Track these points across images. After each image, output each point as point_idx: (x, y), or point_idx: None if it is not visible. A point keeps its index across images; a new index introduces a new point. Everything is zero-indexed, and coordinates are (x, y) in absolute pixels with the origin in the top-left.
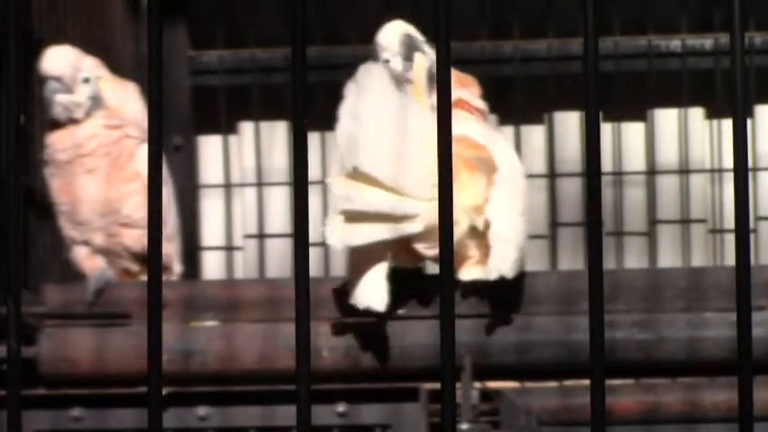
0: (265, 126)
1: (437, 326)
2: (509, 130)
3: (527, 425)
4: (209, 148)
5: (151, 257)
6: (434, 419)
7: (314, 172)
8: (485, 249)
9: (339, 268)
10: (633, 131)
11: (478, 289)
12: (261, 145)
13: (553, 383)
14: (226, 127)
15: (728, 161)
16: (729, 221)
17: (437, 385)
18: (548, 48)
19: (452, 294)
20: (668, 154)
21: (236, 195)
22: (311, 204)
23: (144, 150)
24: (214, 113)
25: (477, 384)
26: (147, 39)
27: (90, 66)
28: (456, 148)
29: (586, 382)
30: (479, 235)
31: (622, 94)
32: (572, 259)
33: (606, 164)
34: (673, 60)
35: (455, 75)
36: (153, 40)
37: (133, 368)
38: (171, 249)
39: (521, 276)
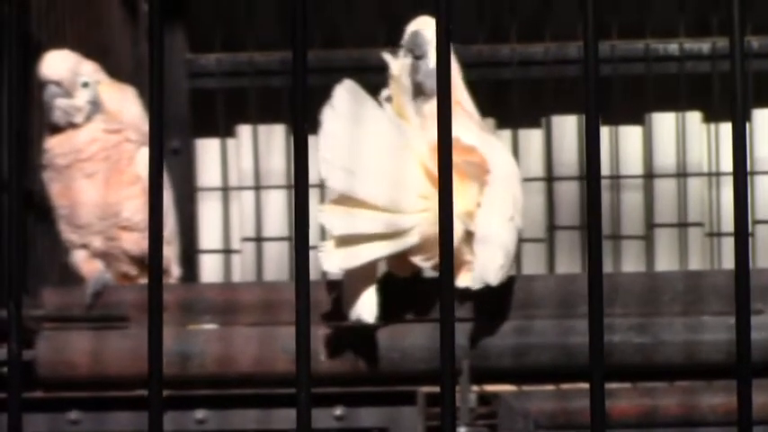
0: (263, 129)
1: (434, 329)
2: (506, 134)
3: (524, 428)
4: (207, 151)
5: (152, 261)
6: (432, 423)
7: (312, 175)
8: (468, 253)
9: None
10: (631, 135)
11: (476, 292)
12: (259, 148)
13: (551, 387)
14: (224, 130)
15: (726, 165)
16: (727, 225)
17: (435, 388)
18: (545, 51)
19: (452, 298)
20: (666, 157)
21: (233, 198)
22: (310, 207)
23: (143, 154)
24: (212, 116)
25: (475, 387)
26: (149, 44)
27: (89, 70)
28: None
29: (584, 385)
30: (466, 239)
31: (620, 98)
32: (570, 262)
33: (604, 167)
34: (670, 64)
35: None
36: (155, 44)
37: (131, 371)
38: (170, 252)
39: (518, 279)
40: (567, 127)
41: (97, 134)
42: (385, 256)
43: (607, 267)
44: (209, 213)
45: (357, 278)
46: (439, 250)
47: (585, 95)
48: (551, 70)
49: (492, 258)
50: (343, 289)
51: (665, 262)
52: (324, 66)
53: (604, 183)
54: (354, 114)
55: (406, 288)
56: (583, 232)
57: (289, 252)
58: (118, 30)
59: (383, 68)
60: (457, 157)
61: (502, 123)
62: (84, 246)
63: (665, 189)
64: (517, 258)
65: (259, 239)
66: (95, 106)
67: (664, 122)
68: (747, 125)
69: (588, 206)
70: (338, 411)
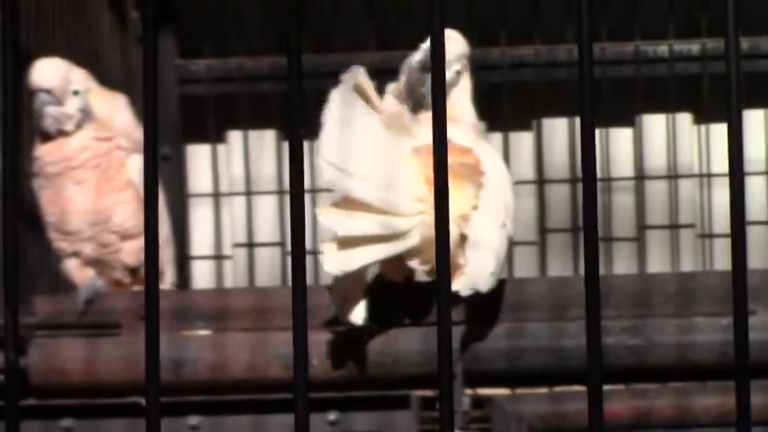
0: (254, 135)
1: (428, 333)
2: (497, 137)
3: (518, 431)
4: (198, 157)
5: (148, 265)
6: (425, 427)
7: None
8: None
9: (329, 277)
10: (621, 137)
11: (469, 296)
12: (249, 154)
13: (544, 390)
14: (214, 136)
15: (717, 166)
16: (718, 226)
17: (428, 393)
18: (535, 54)
19: (449, 302)
20: (656, 159)
21: (224, 204)
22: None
23: (134, 160)
24: (202, 122)
25: (469, 391)
26: (143, 52)
27: (79, 78)
28: None
29: (577, 388)
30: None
31: (610, 100)
32: (561, 265)
33: None
34: (660, 66)
35: None
36: (148, 53)
37: (123, 378)
38: (165, 257)
39: (510, 283)
40: (558, 130)
41: (88, 142)
42: (385, 258)
43: (599, 269)
44: (200, 219)
45: (347, 280)
46: (435, 255)
47: (579, 98)
48: (541, 73)
49: (484, 265)
50: (332, 290)
51: (657, 263)
52: (314, 70)
53: None
54: (349, 119)
55: (398, 292)
56: (574, 235)
57: (280, 257)
58: (107, 37)
59: (373, 72)
60: (452, 159)
61: (492, 127)
62: (76, 254)
63: (656, 191)
64: (509, 261)
65: (250, 245)
66: (86, 114)
67: (654, 124)
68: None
69: (584, 210)
70: (332, 416)
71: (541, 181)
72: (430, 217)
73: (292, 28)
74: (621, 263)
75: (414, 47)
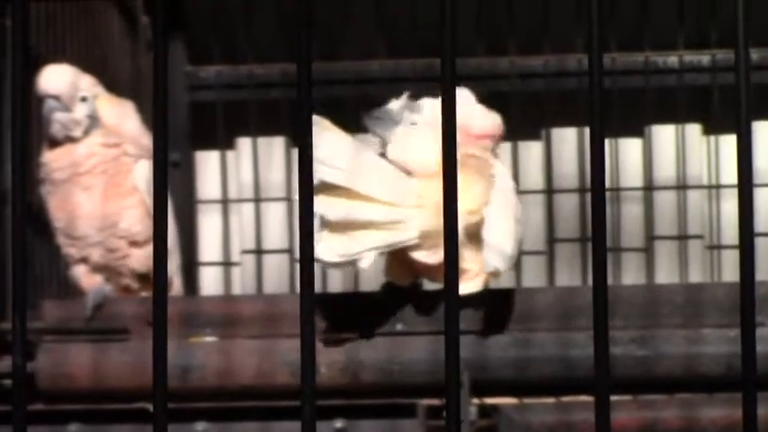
0: (263, 141)
1: (435, 341)
2: (506, 147)
3: None
4: (207, 163)
5: (157, 271)
6: None
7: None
8: (481, 262)
9: (337, 283)
10: (630, 147)
11: (476, 303)
12: (258, 160)
13: (551, 399)
14: (223, 142)
15: (726, 177)
16: (726, 237)
17: (435, 401)
18: (544, 64)
19: (457, 311)
20: (665, 170)
21: (233, 211)
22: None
23: (141, 166)
24: (212, 129)
25: (476, 400)
26: (154, 58)
27: (87, 84)
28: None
29: (585, 398)
30: (475, 246)
31: (620, 111)
32: (569, 275)
33: None
34: (670, 77)
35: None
36: (158, 59)
37: (131, 383)
38: (172, 264)
39: (519, 292)
40: (567, 139)
41: (95, 148)
42: (383, 247)
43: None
44: (208, 226)
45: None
46: (444, 260)
47: (589, 109)
48: (550, 83)
49: (502, 244)
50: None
51: (665, 274)
52: (323, 78)
53: None
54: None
55: (405, 300)
56: (583, 244)
57: (288, 264)
58: (117, 42)
59: (382, 80)
60: (466, 148)
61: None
62: (84, 259)
63: (665, 201)
64: (517, 270)
65: (259, 252)
66: (94, 120)
67: (663, 135)
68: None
69: (593, 220)
70: (339, 424)
71: (550, 191)
72: (430, 209)
73: (302, 35)
74: (630, 273)
75: (422, 55)
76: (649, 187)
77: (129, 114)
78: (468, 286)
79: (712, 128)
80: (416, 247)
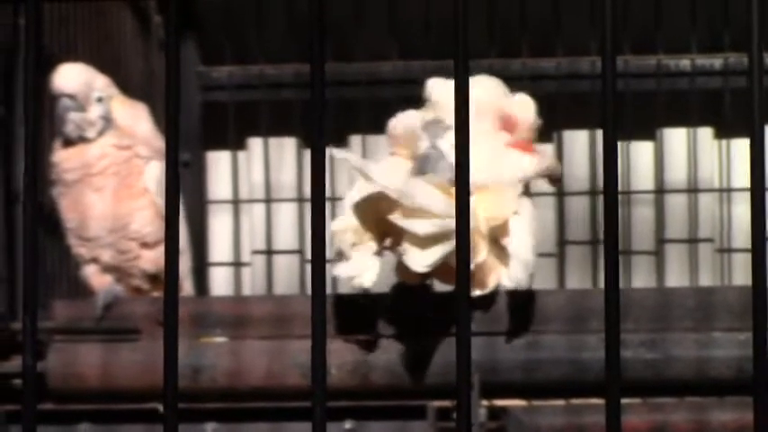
0: (274, 142)
1: (445, 344)
2: None
3: None
4: (218, 163)
5: (168, 272)
6: None
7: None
8: (496, 262)
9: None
10: (642, 151)
11: (487, 305)
12: (270, 161)
13: (561, 402)
14: (234, 143)
15: (737, 180)
16: (737, 241)
17: (445, 403)
18: (556, 66)
19: (468, 313)
20: (677, 173)
21: (244, 211)
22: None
23: (152, 167)
24: (223, 129)
25: (485, 402)
26: (166, 58)
27: (102, 85)
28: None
29: (595, 400)
30: (493, 250)
31: (631, 114)
32: (580, 277)
33: None
34: (682, 80)
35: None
36: (171, 59)
37: (141, 383)
38: (183, 265)
39: (529, 294)
40: (579, 142)
41: (108, 150)
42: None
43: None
44: (219, 226)
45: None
46: (456, 265)
47: (602, 112)
48: (563, 85)
49: (526, 256)
50: (339, 252)
51: (676, 278)
52: (336, 79)
53: None
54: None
55: (416, 301)
56: (593, 247)
57: (299, 265)
58: (129, 41)
59: (395, 81)
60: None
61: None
62: (95, 260)
63: (676, 205)
64: None
65: (269, 252)
66: (107, 121)
67: (675, 138)
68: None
69: (605, 223)
70: (349, 425)
71: (561, 193)
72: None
73: (315, 36)
74: (640, 276)
75: (435, 57)
76: (660, 190)
77: (142, 116)
78: (482, 289)
79: (724, 131)
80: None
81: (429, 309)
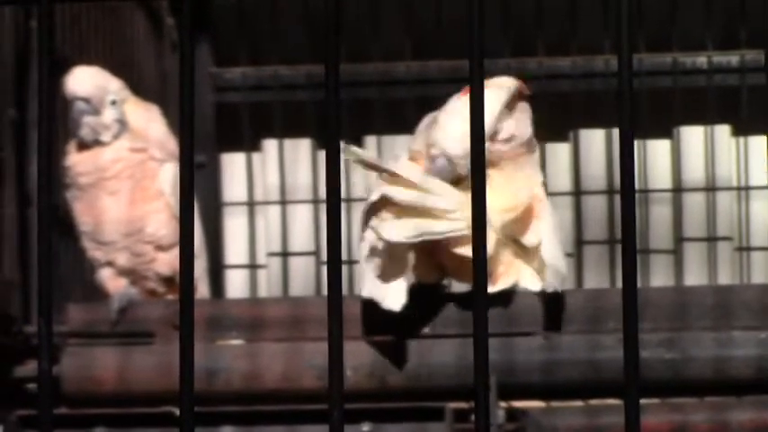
0: (289, 143)
1: (462, 345)
2: None
3: None
4: (233, 165)
5: (184, 274)
6: None
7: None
8: (512, 261)
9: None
10: (659, 149)
11: (503, 305)
12: (284, 162)
13: (579, 403)
14: (249, 144)
15: (755, 178)
16: (756, 239)
17: (462, 404)
18: (572, 65)
19: (486, 313)
20: (694, 171)
21: (259, 213)
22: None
23: (167, 170)
24: (237, 131)
25: (503, 404)
26: (180, 61)
27: (116, 87)
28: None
29: (613, 401)
30: (510, 246)
31: (648, 112)
32: (598, 277)
33: None
34: (698, 77)
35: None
36: (185, 61)
37: (157, 387)
38: (198, 268)
39: (547, 295)
40: (595, 141)
41: (122, 153)
42: (442, 235)
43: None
44: (234, 228)
45: (386, 267)
46: (473, 264)
47: (619, 110)
48: (578, 84)
49: (559, 262)
50: (368, 274)
51: (694, 276)
52: (350, 79)
53: None
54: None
55: (433, 302)
56: (610, 247)
57: (315, 267)
58: (142, 43)
59: (409, 82)
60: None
61: None
62: (110, 263)
63: (694, 203)
64: None
65: (285, 254)
66: (122, 124)
67: (692, 136)
68: None
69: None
70: (366, 428)
71: (578, 192)
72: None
73: (330, 36)
74: (658, 275)
75: (449, 57)
76: (678, 189)
77: (156, 118)
78: (497, 286)
79: (741, 129)
80: (461, 241)
81: (445, 308)
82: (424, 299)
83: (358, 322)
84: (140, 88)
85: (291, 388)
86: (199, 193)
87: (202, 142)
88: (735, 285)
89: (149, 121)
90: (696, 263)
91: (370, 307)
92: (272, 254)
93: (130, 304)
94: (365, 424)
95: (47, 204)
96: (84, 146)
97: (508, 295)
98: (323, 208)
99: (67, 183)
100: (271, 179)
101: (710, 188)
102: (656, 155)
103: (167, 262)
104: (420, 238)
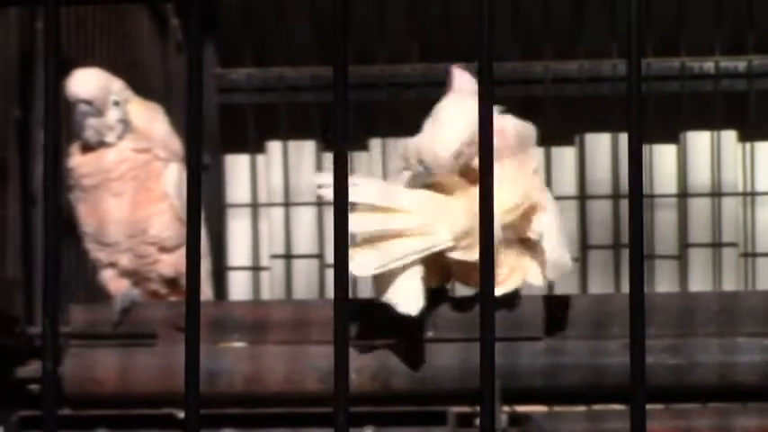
0: (293, 145)
1: (466, 348)
2: (540, 152)
3: None
4: (237, 167)
5: (190, 276)
6: None
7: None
8: (517, 262)
9: (366, 289)
10: (665, 154)
11: (508, 308)
12: (289, 164)
13: (582, 408)
14: (253, 146)
15: (761, 184)
16: (762, 245)
17: (465, 409)
18: (579, 69)
19: (493, 316)
20: (700, 177)
21: (263, 215)
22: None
23: (170, 171)
24: (242, 132)
25: (506, 408)
26: (187, 62)
27: (118, 88)
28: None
29: (616, 406)
30: (513, 246)
31: (655, 117)
32: (603, 282)
33: None
34: (706, 82)
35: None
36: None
37: (159, 388)
38: (202, 269)
39: (551, 299)
40: (601, 145)
41: (126, 154)
42: (418, 253)
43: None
44: (238, 230)
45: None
46: (480, 265)
47: (627, 115)
48: (585, 88)
49: (562, 256)
50: (381, 278)
51: (699, 282)
52: (357, 81)
53: None
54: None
55: (436, 306)
56: (616, 251)
57: (318, 269)
58: (147, 44)
59: (416, 84)
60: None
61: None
62: (112, 264)
63: (700, 208)
64: None
65: (288, 257)
66: (126, 125)
67: (699, 141)
68: None
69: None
70: (369, 431)
71: (584, 197)
72: (457, 209)
73: (338, 38)
74: (663, 281)
75: (456, 59)
76: (684, 194)
77: (159, 118)
78: (500, 288)
79: (748, 134)
80: (452, 248)
81: (449, 312)
82: (428, 302)
83: (361, 325)
84: (145, 89)
85: (294, 391)
86: (203, 194)
87: (206, 143)
88: (740, 291)
89: (152, 120)
90: (701, 268)
91: (375, 310)
92: (275, 256)
93: (133, 305)
94: (368, 427)
95: (53, 207)
96: (87, 147)
97: (512, 299)
98: (327, 210)
99: (71, 184)
100: (275, 181)
101: (716, 194)
102: (662, 160)
103: (170, 263)
104: (394, 264)
